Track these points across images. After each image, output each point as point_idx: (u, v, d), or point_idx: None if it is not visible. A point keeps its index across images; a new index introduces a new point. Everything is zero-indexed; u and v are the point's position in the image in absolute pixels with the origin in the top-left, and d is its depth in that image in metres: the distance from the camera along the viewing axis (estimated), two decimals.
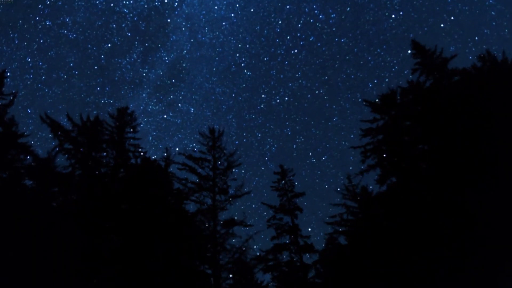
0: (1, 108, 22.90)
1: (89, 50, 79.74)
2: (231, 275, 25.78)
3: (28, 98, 78.04)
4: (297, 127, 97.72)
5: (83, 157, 23.93)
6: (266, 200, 40.94)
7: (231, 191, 27.07)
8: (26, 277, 17.84)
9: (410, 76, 25.92)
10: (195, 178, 27.13)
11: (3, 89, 23.29)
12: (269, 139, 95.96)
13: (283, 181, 28.94)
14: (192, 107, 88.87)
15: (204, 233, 25.74)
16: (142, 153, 26.22)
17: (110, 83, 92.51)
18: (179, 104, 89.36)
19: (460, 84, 23.33)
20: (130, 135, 26.59)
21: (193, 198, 26.62)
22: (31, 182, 22.47)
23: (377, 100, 25.49)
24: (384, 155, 24.64)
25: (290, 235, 27.21)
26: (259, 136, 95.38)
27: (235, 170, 28.29)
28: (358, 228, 25.57)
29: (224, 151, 28.23)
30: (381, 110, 25.33)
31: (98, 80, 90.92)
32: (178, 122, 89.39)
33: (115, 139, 25.74)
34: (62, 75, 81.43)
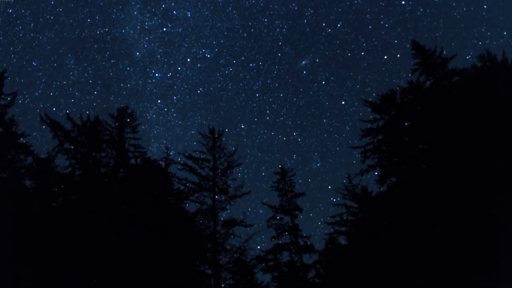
0: (1, 108, 22.92)
1: None
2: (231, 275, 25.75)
3: (27, 51, 73.53)
4: None
5: (83, 157, 23.92)
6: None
7: (231, 191, 27.12)
8: (26, 277, 17.85)
9: (410, 75, 26.01)
10: (195, 178, 27.15)
11: (3, 89, 23.34)
12: (276, 21, 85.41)
13: (283, 181, 29.10)
14: (188, 11, 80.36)
15: (204, 233, 25.72)
16: (142, 153, 26.27)
17: (97, 10, 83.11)
18: (174, 12, 79.40)
19: (460, 84, 23.33)
20: (130, 135, 26.64)
21: (193, 198, 26.62)
22: (31, 182, 22.48)
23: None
24: (384, 155, 24.66)
25: (290, 235, 27.25)
26: (266, 21, 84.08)
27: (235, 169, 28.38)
28: (358, 228, 25.58)
29: (224, 151, 28.30)
30: (381, 110, 25.36)
31: (85, 11, 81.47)
32: (180, 31, 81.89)
33: (115, 139, 25.77)
34: (48, 16, 73.55)
